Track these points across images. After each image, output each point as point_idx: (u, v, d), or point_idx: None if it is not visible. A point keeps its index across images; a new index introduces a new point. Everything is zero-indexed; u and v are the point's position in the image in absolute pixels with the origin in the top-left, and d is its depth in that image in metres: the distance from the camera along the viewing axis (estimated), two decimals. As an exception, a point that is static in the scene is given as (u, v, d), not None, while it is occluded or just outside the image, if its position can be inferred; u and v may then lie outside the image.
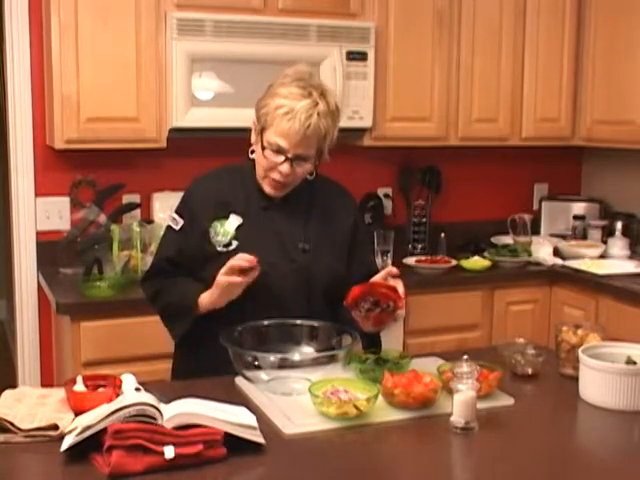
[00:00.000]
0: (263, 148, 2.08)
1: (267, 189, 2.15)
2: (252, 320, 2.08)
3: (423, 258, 3.59)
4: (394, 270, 2.10)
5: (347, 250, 2.24)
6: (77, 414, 1.77)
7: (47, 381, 3.43)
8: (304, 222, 2.19)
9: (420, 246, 3.82)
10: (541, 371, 2.15)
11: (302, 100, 2.03)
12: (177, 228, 2.19)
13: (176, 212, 2.23)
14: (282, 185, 2.13)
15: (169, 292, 2.19)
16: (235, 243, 2.14)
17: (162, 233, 2.29)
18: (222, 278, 2.04)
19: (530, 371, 2.15)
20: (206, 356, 2.11)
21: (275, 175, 2.10)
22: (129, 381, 1.87)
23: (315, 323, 2.09)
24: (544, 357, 2.17)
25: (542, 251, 3.70)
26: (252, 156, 2.16)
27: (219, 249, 2.14)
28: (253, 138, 2.15)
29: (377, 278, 2.09)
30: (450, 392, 1.82)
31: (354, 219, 2.30)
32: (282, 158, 2.07)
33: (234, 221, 2.15)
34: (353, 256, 2.26)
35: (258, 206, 2.18)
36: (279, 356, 1.95)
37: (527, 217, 3.82)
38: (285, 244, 2.16)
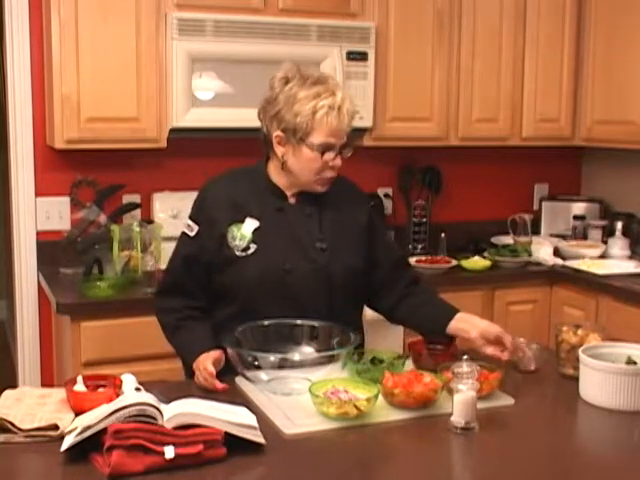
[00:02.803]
0: (313, 151, 2.08)
1: (319, 189, 2.17)
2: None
3: (423, 258, 3.60)
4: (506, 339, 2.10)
5: (365, 242, 2.24)
6: (77, 414, 1.77)
7: (47, 381, 3.43)
8: (319, 221, 2.19)
9: (420, 246, 3.82)
10: (541, 371, 2.16)
11: (333, 94, 2.08)
12: (192, 234, 2.18)
13: (190, 218, 2.21)
14: (333, 178, 2.17)
15: (182, 337, 2.18)
16: (253, 247, 2.13)
17: (177, 239, 2.26)
18: (200, 378, 2.03)
19: (533, 366, 2.16)
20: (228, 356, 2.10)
21: (328, 173, 2.13)
22: (129, 381, 1.87)
23: (315, 323, 2.09)
24: (546, 355, 2.18)
25: (542, 251, 3.70)
26: (285, 167, 2.14)
27: (238, 253, 2.13)
28: (281, 150, 2.12)
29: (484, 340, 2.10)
30: (450, 392, 1.82)
31: (368, 210, 2.31)
32: (333, 153, 2.10)
33: (250, 224, 2.15)
34: (376, 242, 2.27)
35: (273, 208, 2.17)
36: (279, 356, 1.95)
37: (527, 217, 3.82)
38: (303, 245, 2.16)
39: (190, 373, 2.14)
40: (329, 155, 2.10)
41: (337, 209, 2.23)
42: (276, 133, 2.11)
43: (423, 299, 2.27)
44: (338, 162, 2.13)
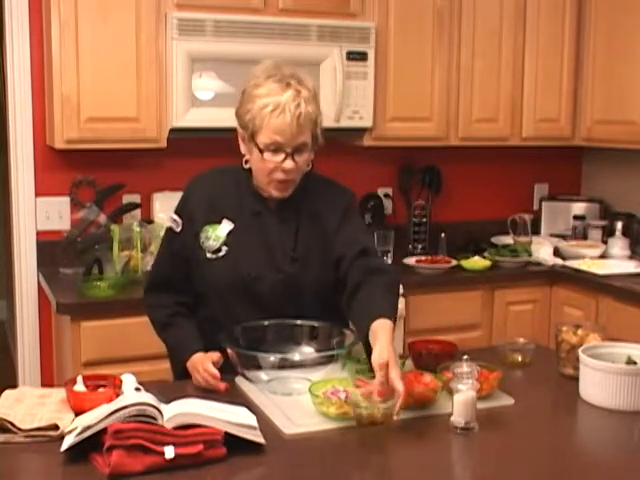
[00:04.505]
0: (261, 152, 2.02)
1: (274, 193, 2.09)
2: None
3: (423, 258, 3.60)
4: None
5: (333, 248, 2.13)
6: (77, 414, 1.77)
7: (47, 381, 3.43)
8: (295, 229, 2.14)
9: (420, 246, 3.82)
10: (541, 371, 2.16)
11: (284, 92, 2.00)
12: (178, 230, 2.18)
13: (176, 213, 2.21)
14: (288, 183, 2.08)
15: (173, 334, 2.19)
16: (225, 249, 2.12)
17: (162, 235, 2.29)
18: (199, 379, 2.03)
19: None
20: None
21: (279, 175, 2.04)
22: (129, 381, 1.87)
23: (315, 323, 2.09)
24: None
25: (542, 251, 3.70)
26: (247, 166, 2.12)
27: (208, 255, 2.12)
28: (243, 148, 2.10)
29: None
30: (450, 392, 1.82)
31: (341, 211, 2.16)
32: (282, 155, 2.02)
33: (226, 226, 2.13)
34: (339, 238, 2.12)
35: (251, 212, 2.14)
36: (279, 356, 1.94)
37: (527, 217, 3.82)
38: (274, 253, 2.12)
39: (179, 371, 2.15)
40: (277, 156, 2.02)
41: (315, 216, 2.15)
42: (238, 130, 2.10)
43: (363, 297, 1.99)
44: (288, 165, 2.02)
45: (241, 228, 2.13)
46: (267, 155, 2.03)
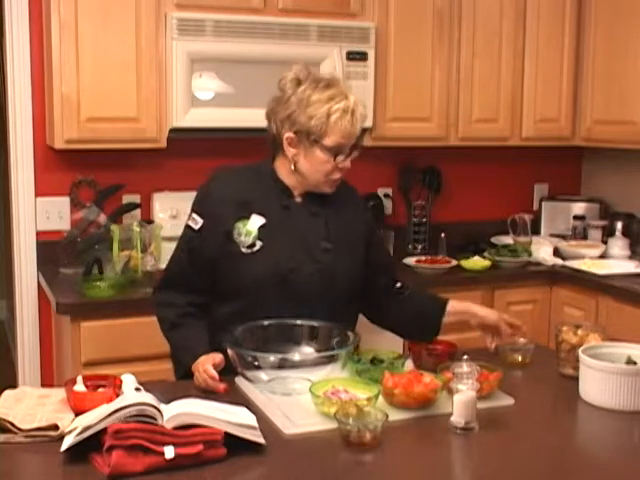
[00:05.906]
0: (334, 155, 2.11)
1: (326, 190, 2.20)
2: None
3: (423, 258, 3.59)
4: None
5: (365, 246, 2.28)
6: (77, 414, 1.77)
7: (47, 381, 3.43)
8: (324, 220, 2.21)
9: (420, 246, 3.82)
10: (541, 371, 2.16)
11: (346, 97, 2.11)
12: (197, 228, 2.18)
13: (194, 211, 2.21)
14: (340, 179, 2.20)
15: (181, 335, 2.18)
16: (259, 244, 2.14)
17: (180, 233, 2.27)
18: (200, 380, 2.02)
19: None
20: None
21: (337, 174, 2.17)
22: (129, 381, 1.87)
23: (315, 323, 2.10)
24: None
25: (542, 251, 3.70)
26: (295, 168, 2.17)
27: (243, 250, 2.14)
28: (292, 152, 2.14)
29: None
30: (450, 392, 1.82)
31: (368, 215, 2.39)
32: (343, 156, 2.14)
33: (257, 221, 2.15)
34: (372, 245, 2.31)
35: (279, 205, 2.19)
36: (279, 356, 1.95)
37: (527, 217, 3.82)
38: (308, 244, 2.17)
39: (182, 372, 2.14)
40: (340, 157, 2.13)
41: (340, 211, 2.26)
42: (287, 135, 2.13)
43: (410, 303, 2.34)
44: (348, 164, 2.17)
45: (272, 222, 2.16)
46: (334, 157, 2.13)
